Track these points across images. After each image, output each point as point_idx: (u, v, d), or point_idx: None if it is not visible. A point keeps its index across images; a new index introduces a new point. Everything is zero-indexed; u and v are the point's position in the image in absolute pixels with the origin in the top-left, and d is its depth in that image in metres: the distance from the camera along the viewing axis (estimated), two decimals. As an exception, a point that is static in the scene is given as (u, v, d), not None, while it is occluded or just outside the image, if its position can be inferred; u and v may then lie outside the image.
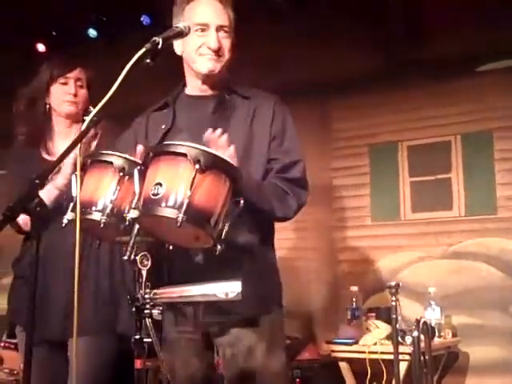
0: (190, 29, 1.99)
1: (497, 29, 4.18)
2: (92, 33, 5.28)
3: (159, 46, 1.83)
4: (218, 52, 2.14)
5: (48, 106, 2.65)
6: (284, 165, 2.14)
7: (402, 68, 4.48)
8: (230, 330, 2.11)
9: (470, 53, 4.31)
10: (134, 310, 1.75)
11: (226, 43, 2.17)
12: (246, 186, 1.90)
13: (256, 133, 2.16)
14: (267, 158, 2.15)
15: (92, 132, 2.49)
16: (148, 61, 1.80)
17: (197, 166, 1.66)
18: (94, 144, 2.57)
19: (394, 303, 2.91)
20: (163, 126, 2.20)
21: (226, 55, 2.17)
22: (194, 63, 2.18)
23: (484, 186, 4.29)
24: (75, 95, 2.61)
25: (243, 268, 2.03)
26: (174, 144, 1.74)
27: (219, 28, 2.15)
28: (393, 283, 2.95)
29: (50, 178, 1.76)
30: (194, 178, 1.65)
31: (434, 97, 4.46)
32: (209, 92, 2.23)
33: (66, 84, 2.62)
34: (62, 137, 2.64)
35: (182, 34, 1.95)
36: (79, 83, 2.63)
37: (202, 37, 2.14)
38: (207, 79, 2.20)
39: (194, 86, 2.25)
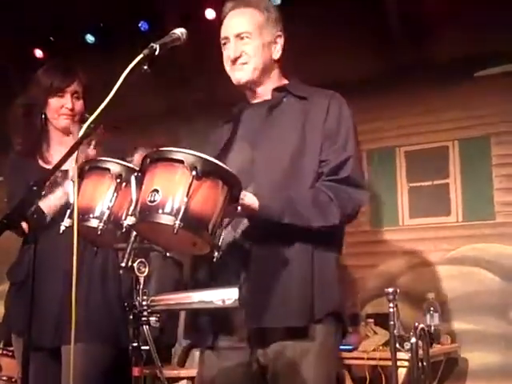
0: (186, 35, 1.98)
1: (495, 33, 4.18)
2: (90, 39, 5.29)
3: (156, 53, 1.83)
4: (235, 61, 2.15)
5: (44, 116, 2.65)
6: (334, 166, 2.07)
7: (399, 74, 4.48)
8: (274, 340, 2.02)
9: (467, 58, 4.31)
10: (131, 317, 1.74)
11: (249, 49, 2.15)
12: (269, 206, 1.92)
13: (308, 135, 2.10)
14: (319, 160, 2.08)
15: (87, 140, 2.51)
16: (145, 67, 1.81)
17: (193, 173, 1.66)
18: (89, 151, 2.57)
19: (391, 309, 2.89)
20: (226, 136, 2.21)
21: (252, 60, 2.15)
22: (230, 76, 2.21)
23: (482, 192, 4.29)
24: (72, 109, 2.62)
25: (288, 274, 1.99)
26: (170, 150, 1.73)
27: (237, 36, 2.16)
28: (390, 289, 2.92)
29: (47, 184, 1.74)
30: (190, 185, 1.65)
31: (432, 102, 4.46)
32: (264, 97, 2.21)
33: (62, 97, 2.62)
34: (58, 145, 2.64)
35: (179, 40, 1.95)
36: (76, 95, 2.63)
37: (226, 50, 2.19)
38: (247, 88, 2.21)
39: (248, 95, 2.25)
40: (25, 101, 2.65)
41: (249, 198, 1.89)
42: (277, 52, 2.20)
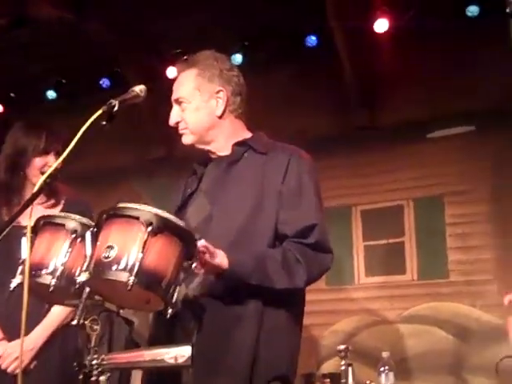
0: (146, 92, 2.00)
1: (445, 98, 4.34)
2: (51, 94, 5.31)
3: (115, 109, 1.85)
4: (177, 126, 2.16)
5: (23, 174, 2.64)
6: (299, 230, 2.02)
7: (356, 135, 4.59)
8: None
9: (420, 120, 4.46)
10: (81, 376, 1.71)
11: (185, 114, 2.14)
12: (238, 265, 1.89)
13: (266, 193, 2.05)
14: (276, 219, 2.04)
15: (53, 200, 2.51)
16: (104, 123, 1.83)
17: (149, 229, 1.65)
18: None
19: (343, 367, 2.87)
20: (189, 190, 2.19)
21: (190, 125, 2.14)
22: None
23: (436, 250, 4.37)
24: None
25: (234, 337, 1.95)
26: (126, 207, 1.73)
27: (176, 101, 2.17)
28: (342, 347, 2.91)
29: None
30: (145, 241, 1.64)
31: (387, 162, 4.57)
32: (225, 151, 2.17)
33: (46, 156, 2.62)
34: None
35: (138, 97, 1.98)
36: (58, 155, 2.63)
37: None
38: (199, 148, 2.19)
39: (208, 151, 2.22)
40: (5, 160, 2.63)
41: (220, 258, 1.87)
42: (220, 107, 2.14)
